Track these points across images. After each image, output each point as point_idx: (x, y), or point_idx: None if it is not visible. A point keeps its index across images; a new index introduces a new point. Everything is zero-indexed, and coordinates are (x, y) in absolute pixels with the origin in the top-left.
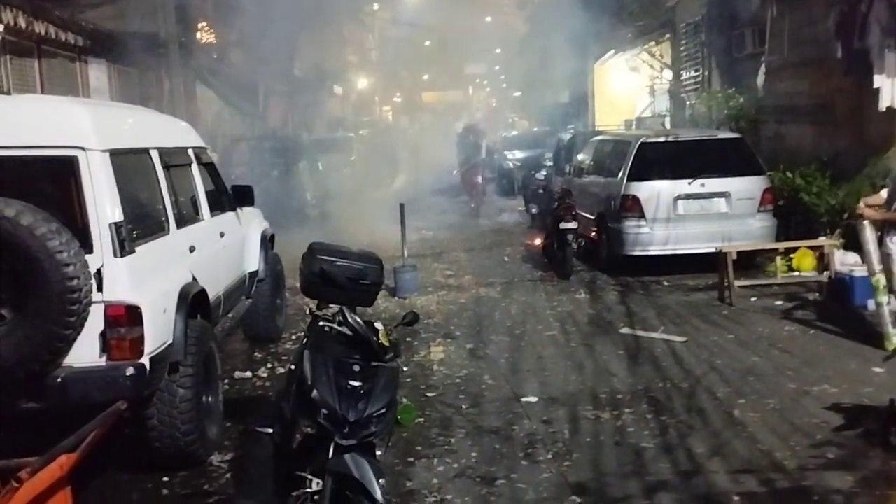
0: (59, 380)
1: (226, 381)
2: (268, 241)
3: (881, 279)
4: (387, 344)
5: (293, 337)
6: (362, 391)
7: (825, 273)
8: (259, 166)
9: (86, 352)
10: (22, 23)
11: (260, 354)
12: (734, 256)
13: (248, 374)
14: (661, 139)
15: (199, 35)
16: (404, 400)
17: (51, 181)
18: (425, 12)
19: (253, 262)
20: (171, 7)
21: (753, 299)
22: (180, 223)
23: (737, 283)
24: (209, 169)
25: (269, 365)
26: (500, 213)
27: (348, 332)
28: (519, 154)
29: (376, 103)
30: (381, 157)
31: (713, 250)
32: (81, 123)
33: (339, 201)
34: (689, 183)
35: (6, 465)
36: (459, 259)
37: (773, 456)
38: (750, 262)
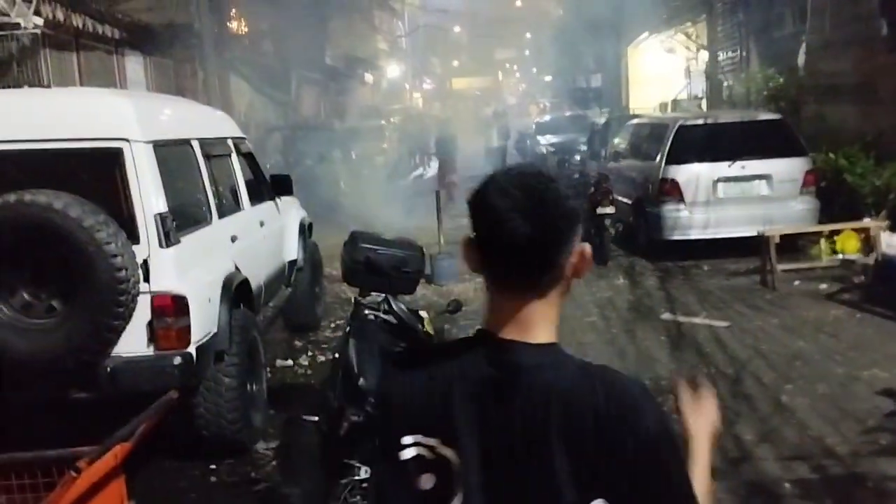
0: (108, 369)
1: (268, 369)
2: (306, 230)
3: None
4: (431, 332)
5: (332, 325)
6: None
7: (871, 255)
8: (292, 156)
9: (134, 341)
10: (60, 16)
11: (300, 343)
12: (777, 239)
13: (290, 362)
14: (700, 121)
15: (231, 25)
16: None
17: (96, 173)
18: None
19: (292, 250)
20: None
21: (797, 283)
22: (222, 213)
23: (780, 266)
24: (248, 159)
25: (310, 353)
26: None
27: (393, 321)
28: (552, 139)
29: (407, 90)
30: (413, 143)
31: (755, 234)
32: (125, 115)
33: (372, 189)
34: (730, 165)
35: (62, 454)
36: None
37: (824, 442)
38: (793, 245)
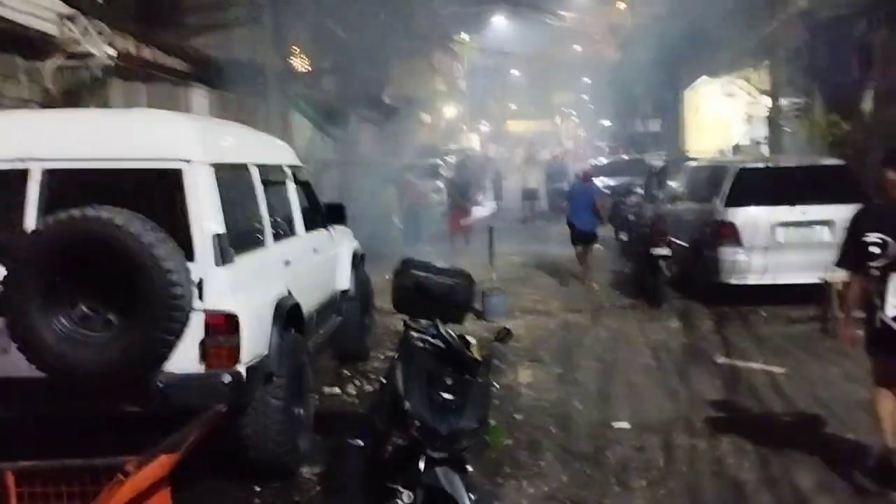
0: (160, 385)
1: (315, 396)
2: (359, 260)
3: None
4: (479, 359)
5: (381, 356)
6: (455, 405)
7: None
8: (349, 191)
9: (185, 358)
10: (132, 49)
11: (348, 372)
12: (839, 287)
13: (337, 390)
14: (761, 164)
15: (294, 63)
16: (492, 422)
17: (157, 191)
18: (514, 41)
19: (344, 280)
20: (272, 36)
21: (859, 332)
22: (277, 237)
23: (842, 315)
24: (304, 187)
25: (358, 382)
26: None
27: (441, 345)
28: (609, 181)
29: (464, 131)
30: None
31: (816, 281)
32: (187, 137)
33: (426, 225)
34: (790, 210)
35: (111, 462)
36: (547, 284)
37: (888, 494)
38: None
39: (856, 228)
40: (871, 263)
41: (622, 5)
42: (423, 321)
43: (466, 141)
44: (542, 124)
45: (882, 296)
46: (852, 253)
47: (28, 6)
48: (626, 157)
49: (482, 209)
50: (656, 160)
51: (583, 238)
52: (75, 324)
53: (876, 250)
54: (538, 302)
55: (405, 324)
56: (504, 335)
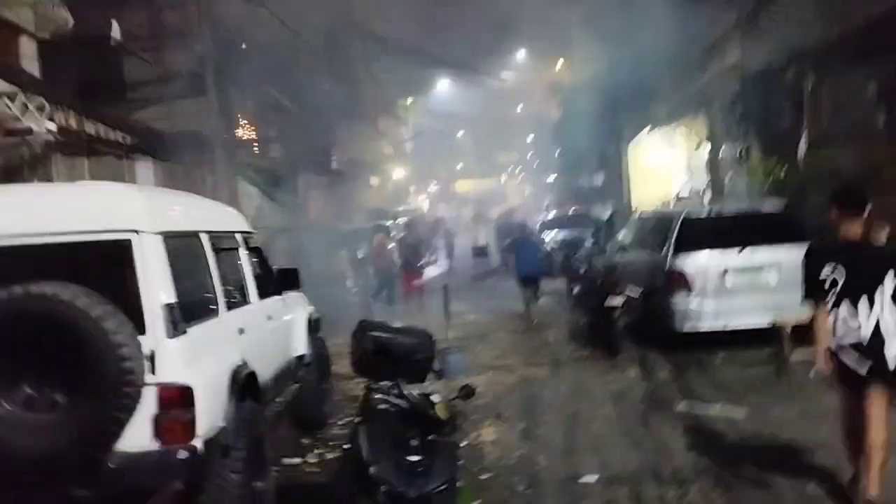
0: (111, 465)
1: (275, 467)
2: (315, 325)
3: None
4: (444, 417)
5: (340, 423)
6: (422, 466)
7: None
8: (299, 256)
9: (138, 435)
10: (73, 123)
11: (307, 440)
12: (789, 329)
13: (298, 460)
14: (705, 214)
15: (240, 132)
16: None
17: (105, 263)
18: (458, 103)
19: (300, 345)
20: (216, 106)
21: (814, 372)
22: (230, 305)
23: (795, 356)
24: (256, 253)
25: (318, 451)
26: (542, 295)
27: (404, 406)
28: (556, 235)
29: (412, 193)
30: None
31: (766, 324)
32: (135, 207)
33: (379, 288)
34: (738, 253)
35: None
36: (503, 340)
37: None
38: (808, 334)
39: (808, 264)
40: (825, 298)
41: (560, 63)
42: (384, 383)
43: (415, 202)
44: (489, 182)
45: (833, 328)
46: (813, 287)
47: None
48: (572, 210)
49: (434, 268)
50: (603, 212)
51: (531, 281)
52: (18, 407)
53: (826, 286)
54: (497, 358)
55: (366, 386)
56: (466, 392)
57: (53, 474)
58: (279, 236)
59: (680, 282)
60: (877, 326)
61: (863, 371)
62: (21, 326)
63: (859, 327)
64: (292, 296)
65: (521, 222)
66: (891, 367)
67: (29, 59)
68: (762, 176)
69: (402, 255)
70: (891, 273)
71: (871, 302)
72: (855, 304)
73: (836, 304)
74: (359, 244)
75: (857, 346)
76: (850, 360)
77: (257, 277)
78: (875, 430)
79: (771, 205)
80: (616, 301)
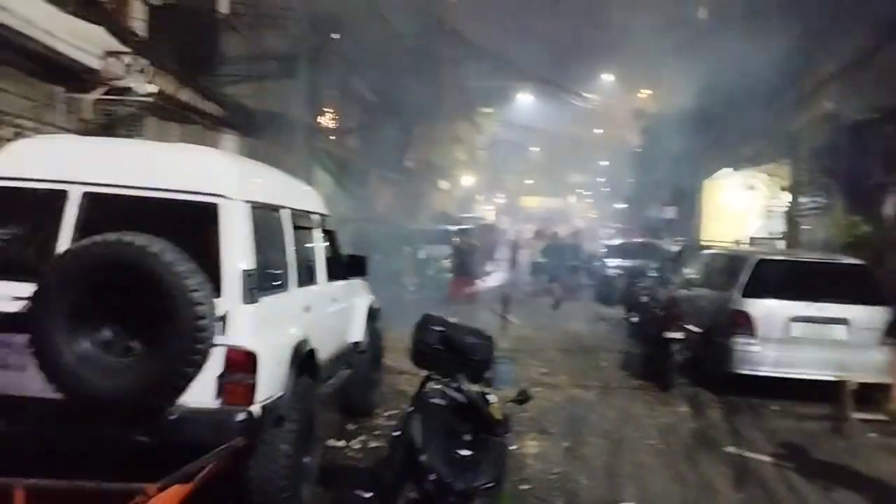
0: (173, 417)
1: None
2: (374, 315)
3: None
4: (499, 418)
5: (386, 414)
6: (471, 462)
7: None
8: (363, 248)
9: (201, 392)
10: (171, 89)
11: (353, 426)
12: (854, 387)
13: (341, 443)
14: (781, 257)
15: (322, 119)
16: None
17: (192, 224)
18: (537, 118)
19: (357, 332)
20: (303, 91)
21: (873, 435)
22: (300, 282)
23: (855, 415)
24: (329, 236)
25: (363, 437)
26: (598, 321)
27: (461, 400)
28: (621, 263)
29: (479, 201)
30: (479, 253)
31: (829, 378)
32: (226, 174)
33: (436, 290)
34: (807, 305)
35: (124, 488)
36: (554, 358)
37: None
38: (870, 396)
39: None
40: None
41: (647, 92)
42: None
43: (481, 211)
44: (556, 202)
45: None
46: None
47: (76, 39)
48: (638, 240)
49: (491, 278)
50: (672, 245)
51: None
52: (97, 347)
53: None
54: (545, 374)
55: (426, 377)
56: (522, 397)
57: (119, 416)
58: (345, 225)
59: (744, 323)
60: None
61: None
62: (108, 272)
63: None
64: (356, 283)
65: (555, 231)
66: None
67: (139, 21)
68: (843, 230)
69: (454, 261)
70: None
71: None
72: None
73: None
74: (422, 244)
75: None
76: None
77: (327, 259)
78: None
79: (850, 260)
80: (676, 335)
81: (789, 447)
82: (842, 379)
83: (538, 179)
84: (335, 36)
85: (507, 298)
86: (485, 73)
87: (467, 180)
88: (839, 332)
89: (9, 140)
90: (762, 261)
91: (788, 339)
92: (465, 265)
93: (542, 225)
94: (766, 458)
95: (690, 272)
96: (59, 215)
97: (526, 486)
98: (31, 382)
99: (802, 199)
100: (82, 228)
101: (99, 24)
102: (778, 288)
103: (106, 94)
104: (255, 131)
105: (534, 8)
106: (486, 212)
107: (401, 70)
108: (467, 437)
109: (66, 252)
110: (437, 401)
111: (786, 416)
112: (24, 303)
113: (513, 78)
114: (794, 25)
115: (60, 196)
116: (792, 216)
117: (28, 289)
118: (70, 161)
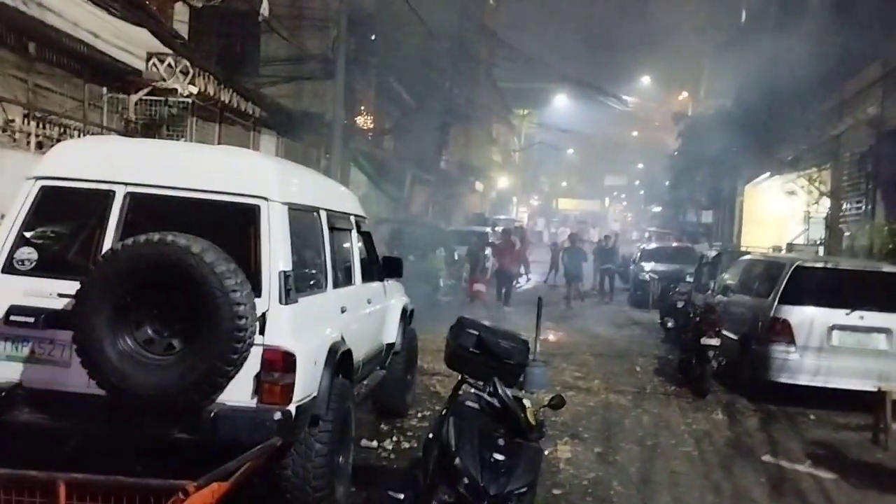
0: (212, 415)
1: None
2: (408, 316)
3: None
4: (533, 423)
5: (419, 415)
6: (505, 466)
7: None
8: (398, 249)
9: (239, 391)
10: (211, 90)
11: (386, 426)
12: (894, 397)
13: (374, 443)
14: (819, 265)
15: (359, 120)
16: None
17: (233, 225)
18: (573, 120)
19: (392, 333)
20: (341, 93)
21: None
22: (336, 283)
23: (895, 426)
24: (365, 237)
25: (395, 438)
26: (632, 324)
27: (496, 404)
28: (657, 267)
29: (514, 203)
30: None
31: (869, 388)
32: (267, 176)
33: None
34: (847, 314)
35: (163, 484)
36: (588, 362)
37: None
38: None
39: None
40: None
41: (685, 95)
42: (477, 380)
43: (516, 212)
44: (592, 204)
45: None
46: None
47: (121, 41)
48: (675, 244)
49: (524, 280)
50: (709, 250)
51: (575, 278)
52: (139, 345)
53: None
54: (579, 378)
55: (461, 379)
56: (557, 402)
57: (159, 414)
58: (380, 226)
59: (783, 331)
60: None
61: None
62: (151, 271)
63: None
64: (392, 284)
65: (575, 233)
66: None
67: (181, 23)
68: (885, 238)
69: (470, 262)
70: None
71: None
72: None
73: None
74: (457, 245)
75: None
76: None
77: (363, 261)
78: None
79: (891, 268)
80: (712, 341)
81: (827, 457)
82: (882, 389)
83: (573, 182)
84: (373, 37)
85: (541, 302)
86: (521, 75)
87: (502, 182)
88: (880, 341)
89: (55, 139)
90: (801, 268)
91: (828, 348)
92: (476, 267)
93: (578, 227)
94: (803, 468)
95: (728, 278)
96: (104, 215)
97: (559, 491)
98: (75, 378)
99: (844, 206)
100: (126, 228)
101: (143, 26)
102: (817, 295)
103: (148, 94)
104: (293, 132)
105: (572, 9)
106: (521, 214)
107: (438, 71)
108: (501, 442)
109: (110, 251)
110: (471, 404)
111: (823, 425)
112: (68, 300)
113: (549, 80)
114: (837, 27)
115: (106, 196)
116: (833, 222)
117: (73, 286)
118: (115, 162)
